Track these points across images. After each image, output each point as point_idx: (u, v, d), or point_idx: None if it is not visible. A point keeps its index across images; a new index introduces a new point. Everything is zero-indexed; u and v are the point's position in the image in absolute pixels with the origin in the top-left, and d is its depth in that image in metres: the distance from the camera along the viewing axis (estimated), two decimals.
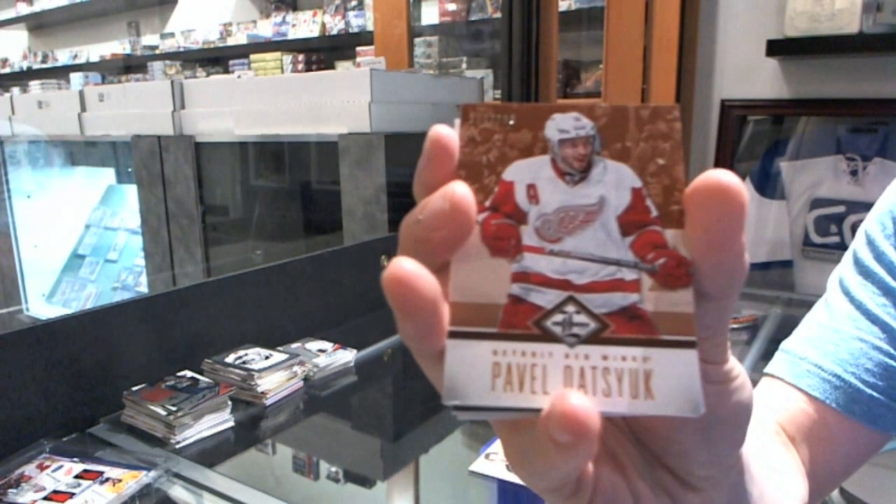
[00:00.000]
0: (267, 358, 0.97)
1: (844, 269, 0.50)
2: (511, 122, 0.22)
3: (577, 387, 0.20)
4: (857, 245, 0.50)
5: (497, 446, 0.78)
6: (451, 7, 2.64)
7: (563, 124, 0.22)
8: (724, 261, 0.20)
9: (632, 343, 0.20)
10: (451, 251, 0.21)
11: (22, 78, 5.06)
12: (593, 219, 0.21)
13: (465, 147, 0.22)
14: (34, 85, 4.66)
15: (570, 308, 0.21)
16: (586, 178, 0.21)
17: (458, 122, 0.22)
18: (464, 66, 2.44)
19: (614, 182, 0.21)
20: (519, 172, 0.21)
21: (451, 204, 0.20)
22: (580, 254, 0.21)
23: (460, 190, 0.20)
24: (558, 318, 0.20)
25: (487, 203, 0.21)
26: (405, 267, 0.19)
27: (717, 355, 0.23)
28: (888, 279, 0.46)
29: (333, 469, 0.85)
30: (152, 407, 0.83)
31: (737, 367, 0.24)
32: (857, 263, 0.49)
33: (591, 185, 0.21)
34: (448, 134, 0.21)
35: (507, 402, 0.20)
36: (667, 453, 0.25)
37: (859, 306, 0.47)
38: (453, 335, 0.20)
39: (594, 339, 0.20)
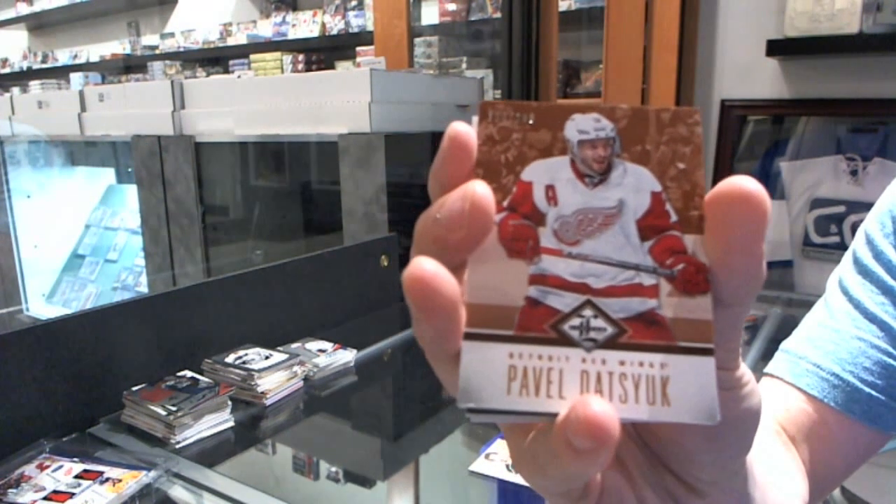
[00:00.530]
0: (267, 358, 0.97)
1: (844, 269, 0.50)
2: (530, 122, 0.21)
3: (594, 392, 0.20)
4: (857, 244, 0.50)
5: (497, 446, 0.78)
6: (451, 7, 2.64)
7: (583, 125, 0.21)
8: (743, 268, 0.20)
9: (649, 349, 0.20)
10: (469, 251, 0.20)
11: (22, 78, 5.06)
12: (612, 222, 0.21)
13: (483, 146, 0.21)
14: (34, 85, 4.65)
15: (588, 312, 0.20)
16: (606, 180, 0.21)
17: (475, 119, 0.22)
18: (464, 66, 2.44)
19: (634, 185, 0.21)
20: (537, 173, 0.21)
21: (471, 204, 0.20)
22: (598, 257, 0.21)
23: (480, 189, 0.20)
24: (575, 321, 0.20)
25: (505, 203, 0.21)
26: (426, 267, 0.19)
27: (729, 361, 0.23)
28: (887, 278, 0.46)
29: (333, 469, 0.85)
30: (152, 407, 0.83)
31: (747, 374, 0.24)
32: (857, 263, 0.49)
33: (611, 187, 0.21)
34: (466, 131, 0.21)
35: (522, 406, 0.20)
36: (674, 459, 0.25)
37: (858, 305, 0.47)
38: (469, 337, 0.20)
39: (611, 344, 0.20)
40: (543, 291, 0.20)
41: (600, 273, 0.21)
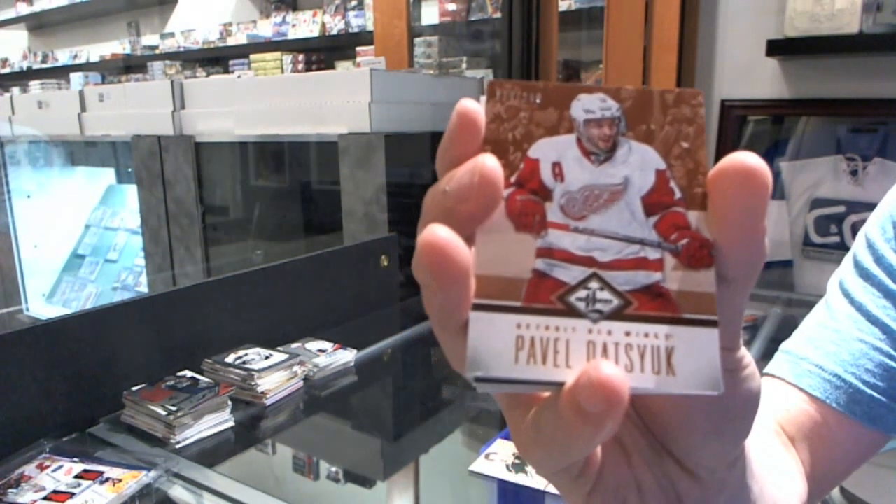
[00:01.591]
0: (267, 358, 0.97)
1: (845, 272, 0.50)
2: (537, 101, 0.22)
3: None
4: (858, 248, 0.50)
5: (497, 446, 0.78)
6: (451, 7, 2.64)
7: (590, 104, 0.22)
8: (746, 243, 0.21)
9: (654, 320, 0.21)
10: (476, 224, 0.21)
11: (22, 78, 5.05)
12: (618, 198, 0.21)
13: (491, 123, 0.22)
14: (34, 85, 4.65)
15: (594, 284, 0.21)
16: (611, 158, 0.22)
17: (483, 98, 0.22)
18: (464, 66, 2.44)
19: (639, 163, 0.22)
20: (544, 150, 0.22)
21: (480, 176, 0.20)
22: (604, 232, 0.21)
23: (490, 163, 0.20)
24: (582, 293, 0.21)
25: (513, 179, 0.21)
26: (440, 234, 0.19)
27: (731, 341, 0.23)
28: (888, 282, 0.47)
29: (333, 469, 0.85)
30: (152, 407, 0.83)
31: (748, 356, 0.24)
32: (857, 266, 0.49)
33: (616, 165, 0.22)
34: (475, 108, 0.21)
35: (529, 375, 0.20)
36: (675, 443, 0.25)
37: (860, 308, 0.47)
38: (478, 307, 0.20)
39: (617, 315, 0.21)
40: (550, 264, 0.21)
41: (606, 247, 0.21)
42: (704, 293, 0.21)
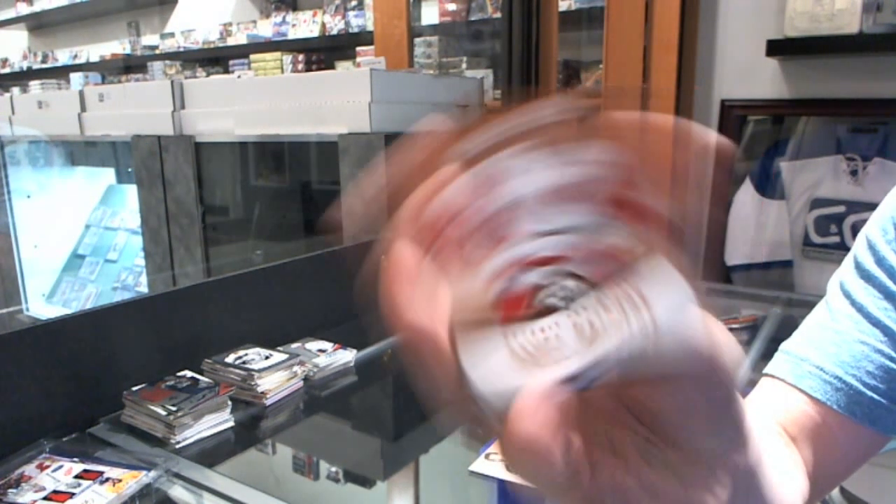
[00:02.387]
0: (267, 358, 0.97)
1: (845, 273, 0.50)
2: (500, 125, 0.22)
3: (591, 337, 0.21)
4: (858, 250, 0.50)
5: (497, 446, 0.78)
6: (451, 7, 2.64)
7: (546, 109, 0.22)
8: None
9: (619, 283, 0.21)
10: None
11: (22, 78, 5.06)
12: (581, 194, 0.22)
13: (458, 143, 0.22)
14: (34, 85, 4.65)
15: (560, 278, 0.21)
16: (572, 156, 0.22)
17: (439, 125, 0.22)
18: (464, 66, 2.44)
19: (601, 159, 0.22)
20: (502, 161, 0.22)
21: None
22: (567, 228, 0.21)
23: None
24: (551, 290, 0.21)
25: (474, 201, 0.21)
26: (420, 322, 0.21)
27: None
28: (889, 283, 0.47)
29: (333, 469, 0.85)
30: (152, 407, 0.83)
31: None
32: (858, 267, 0.49)
33: (577, 163, 0.22)
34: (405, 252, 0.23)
35: (539, 377, 0.21)
36: (674, 436, 0.25)
37: (860, 309, 0.47)
38: (462, 339, 0.21)
39: (587, 293, 0.21)
40: (519, 273, 0.21)
41: (570, 242, 0.21)
42: (658, 248, 0.21)
